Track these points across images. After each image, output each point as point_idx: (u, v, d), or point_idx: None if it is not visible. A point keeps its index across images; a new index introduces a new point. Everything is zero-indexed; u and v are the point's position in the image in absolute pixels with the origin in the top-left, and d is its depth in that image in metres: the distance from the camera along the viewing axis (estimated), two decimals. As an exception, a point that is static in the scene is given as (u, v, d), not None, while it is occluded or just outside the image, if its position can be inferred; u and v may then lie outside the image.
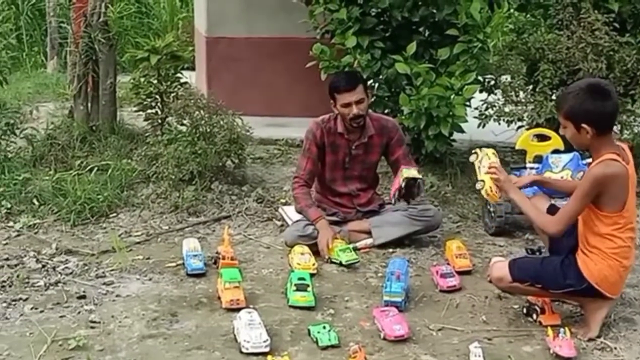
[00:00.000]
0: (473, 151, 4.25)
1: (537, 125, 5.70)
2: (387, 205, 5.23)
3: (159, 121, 6.21)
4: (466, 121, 5.68)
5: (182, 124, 5.87)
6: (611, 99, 3.79)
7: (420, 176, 4.73)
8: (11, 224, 5.27)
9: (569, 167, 4.82)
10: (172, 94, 6.16)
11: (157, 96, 6.22)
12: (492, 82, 6.11)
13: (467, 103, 5.70)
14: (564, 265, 3.89)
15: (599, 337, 3.91)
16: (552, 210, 4.07)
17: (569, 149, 5.30)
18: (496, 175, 4.02)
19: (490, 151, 4.24)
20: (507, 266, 4.01)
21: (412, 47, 5.63)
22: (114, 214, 5.43)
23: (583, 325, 4.00)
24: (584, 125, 3.76)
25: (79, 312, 4.08)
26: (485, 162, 4.13)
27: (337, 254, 4.70)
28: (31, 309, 4.11)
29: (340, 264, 4.67)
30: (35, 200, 5.47)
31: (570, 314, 4.17)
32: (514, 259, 4.11)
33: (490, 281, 4.49)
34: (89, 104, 6.50)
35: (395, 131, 5.14)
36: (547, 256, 4.12)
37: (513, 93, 5.89)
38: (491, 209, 5.28)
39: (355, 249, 4.89)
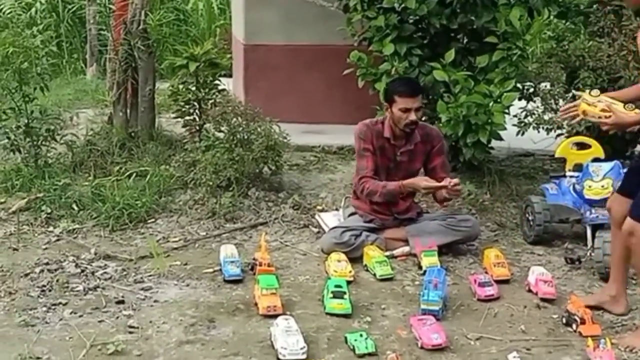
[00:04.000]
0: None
1: (577, 134, 5.65)
2: (424, 214, 5.21)
3: (197, 128, 6.24)
4: (505, 129, 5.64)
5: (220, 131, 5.90)
6: None
7: (438, 264, 4.60)
8: (51, 228, 5.33)
9: (610, 176, 4.77)
10: (210, 101, 6.20)
11: (195, 103, 6.26)
12: (532, 90, 6.05)
13: (506, 111, 5.65)
14: None
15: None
16: None
17: (609, 157, 5.26)
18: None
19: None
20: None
21: (450, 55, 5.60)
22: (152, 220, 5.47)
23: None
24: None
25: (117, 317, 4.11)
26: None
27: (373, 265, 4.68)
28: (70, 313, 4.15)
29: (375, 276, 4.65)
30: (74, 206, 5.53)
31: (611, 324, 4.11)
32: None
33: (529, 290, 4.46)
34: (128, 111, 6.55)
35: (438, 140, 5.13)
36: None
37: (552, 101, 5.83)
38: (530, 218, 5.23)
39: (392, 257, 4.88)
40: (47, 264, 4.77)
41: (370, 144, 5.01)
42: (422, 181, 4.92)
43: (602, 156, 5.29)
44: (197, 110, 6.27)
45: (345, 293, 4.18)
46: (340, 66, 6.07)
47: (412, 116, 4.91)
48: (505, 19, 5.54)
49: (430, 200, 5.74)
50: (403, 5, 5.66)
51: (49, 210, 5.49)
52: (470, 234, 5.05)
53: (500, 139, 5.79)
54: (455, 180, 4.84)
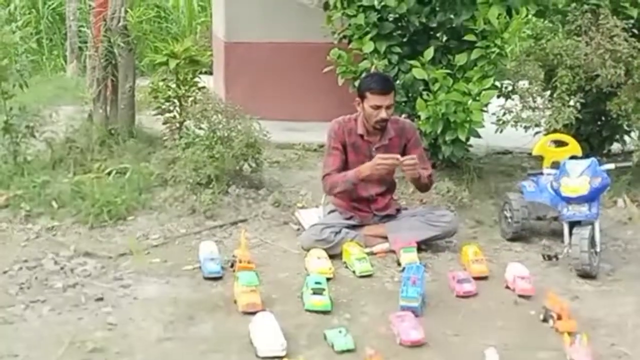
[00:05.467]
0: None
1: (555, 131, 5.70)
2: (403, 211, 5.24)
3: (177, 125, 6.24)
4: (483, 127, 5.67)
5: (200, 128, 5.90)
6: None
7: (417, 261, 4.64)
8: (30, 225, 5.30)
9: (587, 173, 4.81)
10: (190, 98, 6.19)
11: (176, 100, 6.26)
12: (510, 88, 6.09)
13: (485, 108, 5.68)
14: None
15: (613, 344, 3.90)
16: None
17: (586, 155, 5.31)
18: None
19: None
20: None
21: (429, 53, 5.63)
22: (132, 217, 5.45)
23: None
24: None
25: (96, 315, 4.10)
26: None
27: (352, 262, 4.70)
28: (49, 310, 4.13)
29: (354, 273, 4.67)
30: (54, 203, 5.49)
31: (588, 320, 4.15)
32: None
33: (507, 287, 4.49)
34: (108, 108, 6.53)
35: (412, 132, 5.16)
36: None
37: (530, 99, 5.87)
38: (508, 215, 5.27)
39: (372, 254, 4.90)
40: (25, 261, 4.75)
41: (340, 143, 5.04)
42: (374, 161, 4.88)
43: (580, 154, 5.34)
44: (177, 108, 6.27)
45: (324, 290, 4.20)
46: (320, 64, 6.10)
47: (383, 114, 4.93)
48: (484, 18, 5.59)
49: (409, 197, 5.78)
50: (383, 4, 5.69)
51: (28, 208, 5.45)
52: (449, 229, 5.07)
53: (479, 136, 5.84)
54: (405, 159, 4.83)
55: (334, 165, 5.03)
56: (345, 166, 5.06)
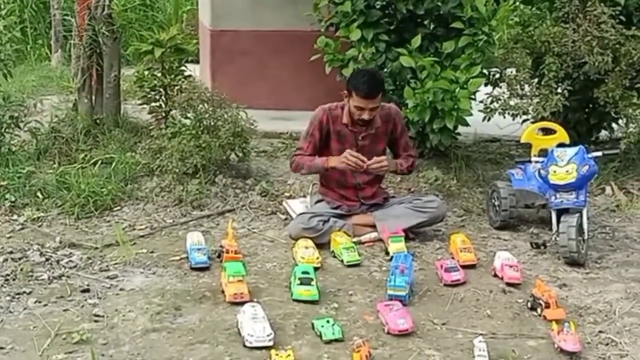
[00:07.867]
0: None
1: (542, 119, 5.69)
2: (391, 199, 5.22)
3: (163, 114, 6.20)
4: (471, 114, 5.66)
5: (186, 117, 5.86)
6: None
7: (405, 250, 4.64)
8: (15, 217, 5.27)
9: (574, 161, 4.81)
10: (176, 87, 6.15)
11: (161, 89, 6.21)
12: (497, 76, 6.08)
13: (472, 96, 5.67)
14: None
15: (601, 331, 3.91)
16: None
17: (574, 142, 5.31)
18: None
19: None
20: None
21: (416, 40, 5.61)
22: (118, 208, 5.43)
23: None
24: None
25: (82, 306, 4.08)
26: None
27: (340, 251, 4.69)
28: (35, 302, 4.11)
29: (342, 262, 4.66)
30: (39, 194, 5.46)
31: (575, 308, 4.16)
32: None
33: (495, 275, 4.49)
34: (93, 97, 6.49)
35: (399, 119, 5.17)
36: None
37: (518, 86, 5.86)
38: (496, 203, 5.27)
39: (360, 243, 4.88)
40: (11, 252, 4.72)
41: (319, 131, 5.05)
42: (343, 155, 4.93)
43: (567, 141, 5.34)
44: (163, 97, 6.22)
45: (312, 279, 4.19)
46: (307, 52, 6.05)
47: (365, 115, 4.93)
48: (471, 5, 5.57)
49: (397, 185, 5.78)
50: (370, -9, 5.65)
51: (13, 199, 5.42)
52: (437, 215, 5.07)
53: (467, 124, 5.82)
54: (372, 163, 4.90)
55: (307, 150, 5.07)
56: (323, 154, 5.07)
